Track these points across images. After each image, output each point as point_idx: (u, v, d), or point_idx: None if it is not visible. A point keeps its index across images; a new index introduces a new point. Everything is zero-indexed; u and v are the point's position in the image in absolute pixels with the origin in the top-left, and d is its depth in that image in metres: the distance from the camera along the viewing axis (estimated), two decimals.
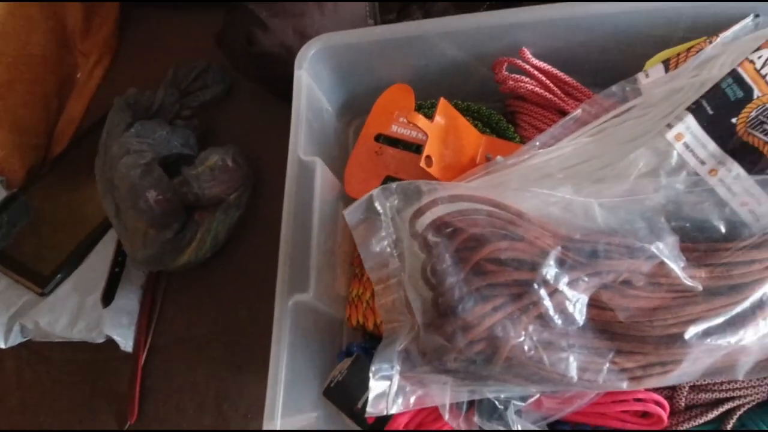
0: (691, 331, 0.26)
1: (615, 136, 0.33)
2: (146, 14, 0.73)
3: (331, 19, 0.47)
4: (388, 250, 0.25)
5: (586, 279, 0.25)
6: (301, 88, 0.37)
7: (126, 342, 0.54)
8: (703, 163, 0.29)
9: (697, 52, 0.34)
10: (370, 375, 0.25)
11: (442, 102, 0.36)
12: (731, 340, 0.25)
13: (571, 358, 0.25)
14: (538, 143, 0.34)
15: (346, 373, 0.31)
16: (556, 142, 0.34)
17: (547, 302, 0.25)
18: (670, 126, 0.29)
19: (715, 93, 0.31)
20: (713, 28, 0.36)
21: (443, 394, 0.26)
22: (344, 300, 0.39)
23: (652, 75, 0.35)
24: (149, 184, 0.52)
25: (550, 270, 0.25)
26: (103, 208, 0.55)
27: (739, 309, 0.26)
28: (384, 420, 0.29)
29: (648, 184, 0.27)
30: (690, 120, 0.30)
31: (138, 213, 0.52)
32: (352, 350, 0.35)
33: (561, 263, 0.25)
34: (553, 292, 0.25)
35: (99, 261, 0.57)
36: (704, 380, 0.32)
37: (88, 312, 0.55)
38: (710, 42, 0.35)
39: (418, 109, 0.42)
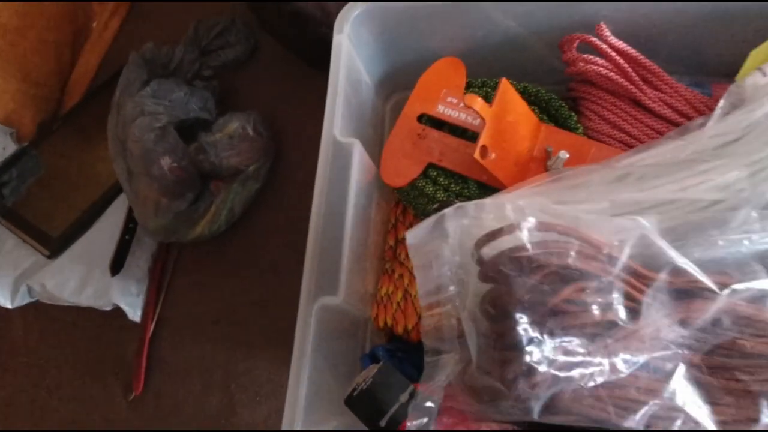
0: None
1: (722, 153, 0.27)
2: None
3: None
4: (449, 274, 0.21)
5: (671, 322, 0.22)
6: (341, 57, 0.33)
7: (134, 311, 0.53)
8: None
9: None
10: (410, 409, 0.21)
11: (504, 83, 0.31)
12: None
13: (642, 409, 0.22)
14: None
15: (371, 382, 0.28)
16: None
17: (625, 347, 0.21)
18: None
19: None
20: None
21: (487, 428, 0.23)
22: (371, 297, 0.35)
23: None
24: (164, 149, 0.48)
25: (633, 312, 0.21)
26: (115, 171, 0.51)
27: None
28: None
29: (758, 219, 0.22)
30: None
31: (151, 180, 0.48)
32: (378, 354, 0.31)
33: (647, 305, 0.21)
34: (631, 336, 0.22)
35: (109, 226, 0.54)
36: None
37: (96, 278, 0.53)
38: None
39: (468, 87, 0.37)
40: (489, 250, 0.21)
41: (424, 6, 0.35)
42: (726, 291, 0.21)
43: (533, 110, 0.36)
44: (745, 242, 0.21)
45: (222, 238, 0.54)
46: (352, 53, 0.34)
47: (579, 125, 0.35)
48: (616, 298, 0.21)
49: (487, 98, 0.37)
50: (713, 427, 0.24)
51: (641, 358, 0.23)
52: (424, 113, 0.36)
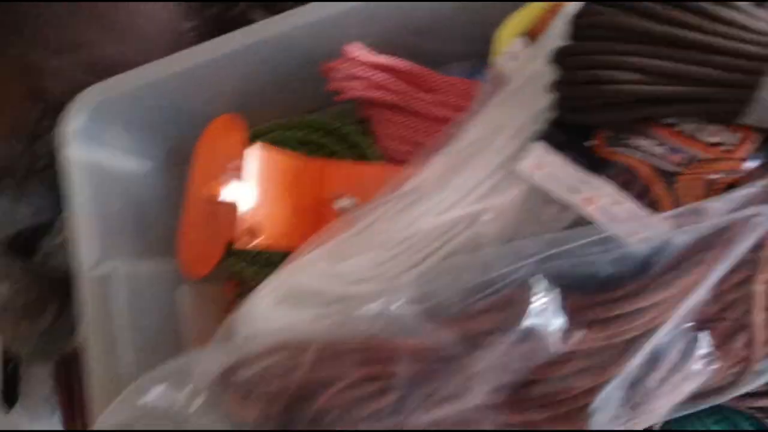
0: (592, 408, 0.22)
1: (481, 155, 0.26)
2: None
3: (129, 38, 0.37)
4: None
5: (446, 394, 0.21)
6: (73, 173, 0.29)
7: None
8: (575, 191, 0.22)
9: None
10: None
11: (253, 153, 0.28)
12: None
13: None
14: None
15: None
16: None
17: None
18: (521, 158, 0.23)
19: None
20: None
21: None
22: None
23: (520, 54, 0.27)
24: None
25: (404, 390, 0.21)
26: None
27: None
28: None
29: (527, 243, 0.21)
30: (540, 148, 0.23)
31: None
32: None
33: (414, 379, 0.21)
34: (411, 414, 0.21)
35: None
36: None
37: None
38: None
39: (255, 137, 0.34)
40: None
41: (172, 75, 0.31)
42: None
43: (325, 143, 0.34)
44: None
45: None
46: (95, 156, 0.30)
47: (374, 149, 0.33)
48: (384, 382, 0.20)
49: (283, 141, 0.34)
50: None
51: None
52: (212, 193, 0.33)
